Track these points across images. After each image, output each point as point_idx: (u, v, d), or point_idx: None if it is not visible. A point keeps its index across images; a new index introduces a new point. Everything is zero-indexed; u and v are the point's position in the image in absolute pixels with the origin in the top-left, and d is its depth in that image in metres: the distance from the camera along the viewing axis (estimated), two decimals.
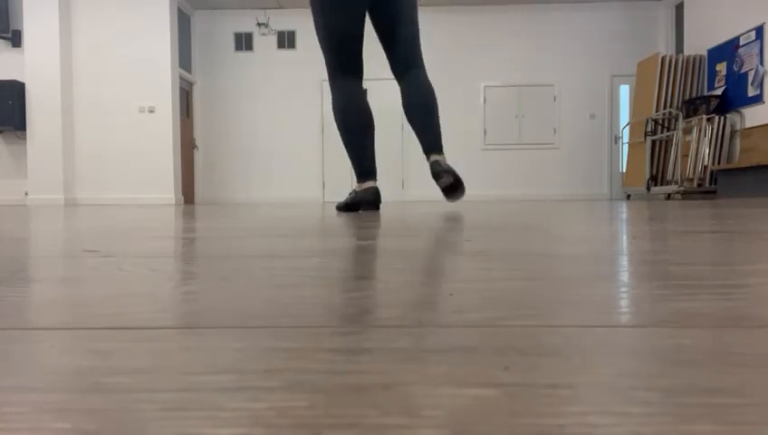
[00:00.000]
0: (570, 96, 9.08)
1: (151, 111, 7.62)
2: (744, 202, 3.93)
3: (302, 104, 9.13)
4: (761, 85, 6.44)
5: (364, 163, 2.46)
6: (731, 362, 0.24)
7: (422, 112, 2.42)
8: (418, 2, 8.74)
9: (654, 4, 8.96)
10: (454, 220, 1.55)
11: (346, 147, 2.48)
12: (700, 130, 6.72)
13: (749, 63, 6.62)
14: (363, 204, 2.44)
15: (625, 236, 0.93)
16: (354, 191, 2.50)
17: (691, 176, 6.72)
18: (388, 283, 0.46)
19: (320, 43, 2.50)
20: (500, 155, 9.14)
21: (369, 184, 2.46)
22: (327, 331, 0.30)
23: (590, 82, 9.06)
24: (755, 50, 6.50)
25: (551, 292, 0.41)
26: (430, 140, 2.43)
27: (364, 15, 2.47)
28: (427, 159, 2.46)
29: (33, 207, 4.78)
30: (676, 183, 6.83)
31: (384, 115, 9.10)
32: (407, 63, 2.47)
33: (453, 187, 2.40)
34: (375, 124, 2.77)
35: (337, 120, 2.45)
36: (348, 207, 2.46)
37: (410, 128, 8.86)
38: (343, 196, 9.22)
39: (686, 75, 7.48)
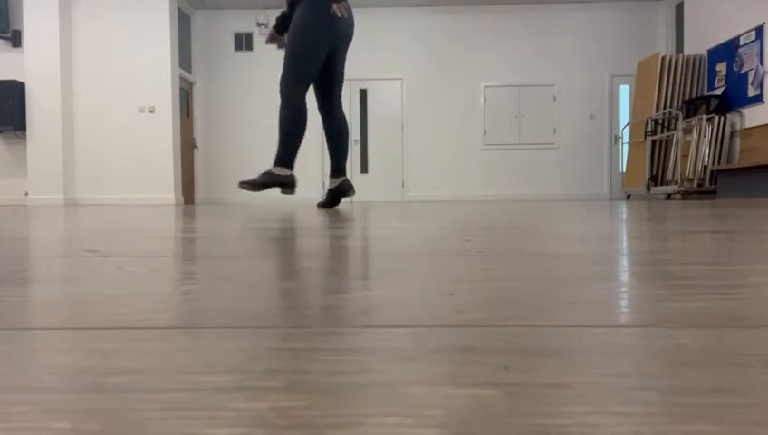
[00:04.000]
0: (569, 96, 9.08)
1: (151, 111, 7.62)
2: (744, 202, 3.93)
3: None
4: (761, 85, 6.43)
5: (292, 155, 3.19)
6: (731, 362, 0.24)
7: (344, 140, 3.30)
8: (420, 2, 8.76)
9: (654, 4, 8.95)
10: (453, 220, 1.55)
11: (285, 137, 3.11)
12: (700, 130, 6.72)
13: (749, 63, 6.62)
14: (283, 184, 3.13)
15: (625, 237, 0.93)
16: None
17: (691, 176, 6.71)
18: (388, 282, 0.46)
19: (292, 55, 3.04)
20: (500, 155, 9.14)
21: (288, 171, 3.21)
22: (327, 330, 0.30)
23: (590, 82, 9.06)
24: (755, 50, 6.50)
25: (551, 292, 0.41)
26: (343, 163, 3.33)
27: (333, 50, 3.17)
28: (336, 176, 3.31)
29: (33, 208, 4.78)
30: (676, 183, 6.83)
31: (384, 115, 9.10)
32: (337, 102, 3.30)
33: (336, 201, 3.26)
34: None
35: (288, 118, 3.08)
36: (265, 185, 3.11)
37: (409, 128, 8.94)
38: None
39: (686, 75, 7.47)
